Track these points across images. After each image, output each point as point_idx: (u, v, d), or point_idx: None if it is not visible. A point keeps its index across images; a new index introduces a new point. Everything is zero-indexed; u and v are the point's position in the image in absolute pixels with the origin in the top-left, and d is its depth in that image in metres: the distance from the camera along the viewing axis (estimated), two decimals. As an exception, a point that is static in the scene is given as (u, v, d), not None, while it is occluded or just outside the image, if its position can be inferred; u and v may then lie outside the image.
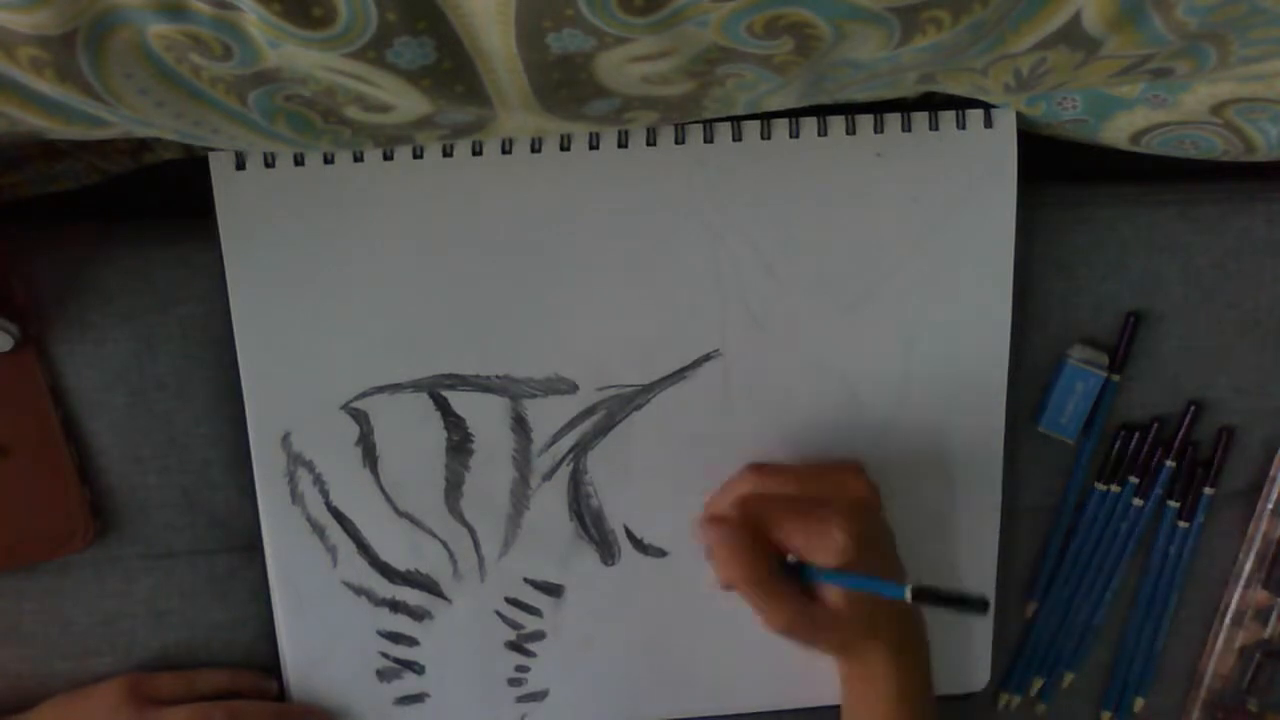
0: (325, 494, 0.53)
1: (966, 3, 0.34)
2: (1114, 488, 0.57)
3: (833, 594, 0.48)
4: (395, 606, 0.54)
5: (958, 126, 0.52)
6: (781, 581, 0.48)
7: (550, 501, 0.54)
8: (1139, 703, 0.60)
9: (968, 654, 0.57)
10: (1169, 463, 0.57)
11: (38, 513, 0.52)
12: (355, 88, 0.37)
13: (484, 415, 0.52)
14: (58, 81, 0.35)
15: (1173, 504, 0.57)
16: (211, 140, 0.43)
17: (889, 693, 0.49)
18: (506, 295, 0.51)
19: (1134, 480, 0.57)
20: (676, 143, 0.51)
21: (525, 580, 0.55)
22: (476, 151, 0.50)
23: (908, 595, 0.46)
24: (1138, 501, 0.57)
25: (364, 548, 0.53)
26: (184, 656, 0.55)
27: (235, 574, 0.54)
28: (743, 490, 0.51)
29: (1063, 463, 0.57)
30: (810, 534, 0.48)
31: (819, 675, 0.57)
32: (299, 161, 0.50)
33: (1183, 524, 0.57)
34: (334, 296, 0.51)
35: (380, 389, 0.52)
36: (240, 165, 0.49)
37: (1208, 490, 0.57)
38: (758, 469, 0.51)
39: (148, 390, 0.52)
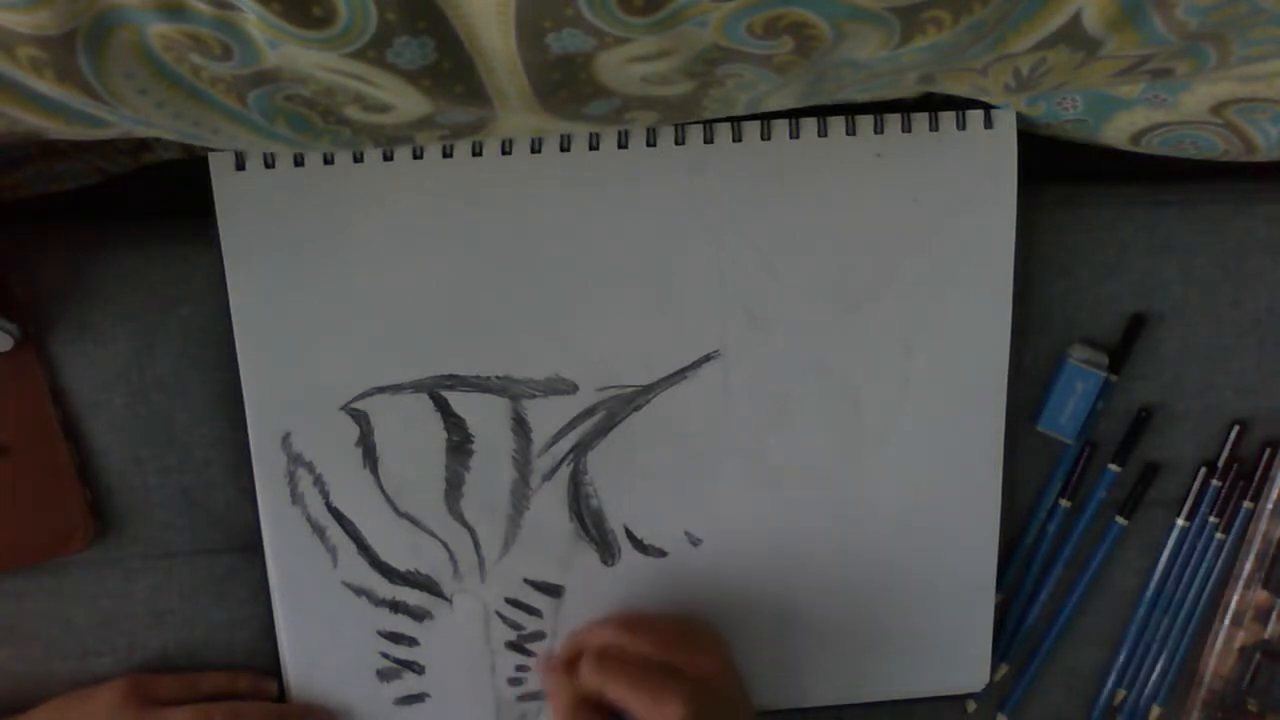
0: (325, 494, 0.53)
1: (966, 3, 0.34)
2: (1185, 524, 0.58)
3: None
4: (395, 607, 0.54)
5: (958, 127, 0.52)
6: None
7: (550, 502, 0.54)
8: (1155, 711, 0.60)
9: (967, 654, 0.57)
10: (1215, 482, 0.57)
11: (38, 513, 0.52)
12: (355, 88, 0.37)
13: (484, 415, 0.52)
14: (57, 81, 0.35)
15: (1214, 519, 0.58)
16: (211, 140, 0.43)
17: None
18: (506, 295, 0.51)
19: (1182, 523, 0.58)
20: (676, 143, 0.51)
21: (525, 580, 0.55)
22: (476, 152, 0.50)
23: None
24: (1182, 523, 0.58)
25: (364, 548, 0.53)
26: (184, 657, 0.55)
27: (235, 574, 0.54)
28: (600, 641, 0.51)
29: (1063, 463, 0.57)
30: (652, 701, 0.46)
31: (817, 675, 0.57)
32: (299, 161, 0.50)
33: (1220, 536, 0.58)
34: (334, 296, 0.51)
35: (380, 389, 0.52)
36: (240, 165, 0.49)
37: (1247, 504, 0.57)
38: (621, 624, 0.51)
39: (148, 390, 0.52)
